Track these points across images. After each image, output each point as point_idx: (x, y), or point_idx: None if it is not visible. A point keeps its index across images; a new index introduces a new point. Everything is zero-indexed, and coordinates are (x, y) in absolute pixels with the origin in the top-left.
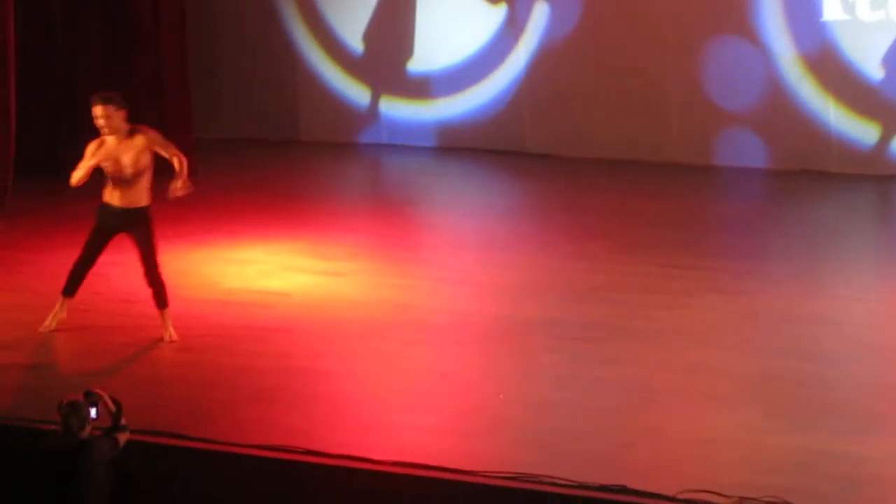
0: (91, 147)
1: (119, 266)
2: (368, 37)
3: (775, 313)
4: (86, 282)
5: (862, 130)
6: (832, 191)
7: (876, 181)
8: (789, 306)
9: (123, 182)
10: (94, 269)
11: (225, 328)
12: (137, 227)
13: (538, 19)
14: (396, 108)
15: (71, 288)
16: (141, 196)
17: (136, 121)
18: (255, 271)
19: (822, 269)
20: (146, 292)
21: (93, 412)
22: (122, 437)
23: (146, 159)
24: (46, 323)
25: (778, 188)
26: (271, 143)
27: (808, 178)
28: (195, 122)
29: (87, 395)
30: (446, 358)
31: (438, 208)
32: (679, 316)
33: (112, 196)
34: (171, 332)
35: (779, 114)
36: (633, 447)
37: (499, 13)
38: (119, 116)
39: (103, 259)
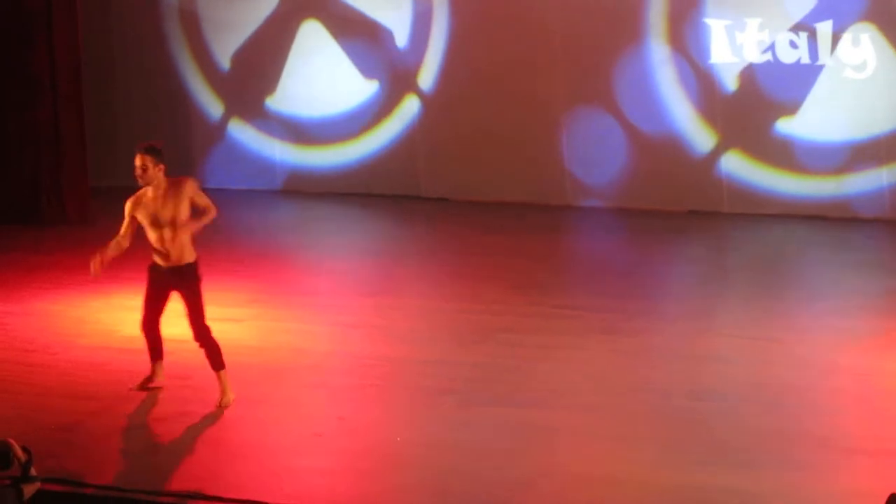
0: (128, 205)
1: (16, 315)
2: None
3: (667, 352)
4: None
5: (750, 171)
6: (721, 230)
7: (762, 220)
8: (681, 345)
9: (165, 239)
10: None
11: (124, 375)
12: (186, 285)
13: (429, 67)
14: (291, 155)
15: (153, 352)
16: (185, 251)
17: (33, 168)
18: None
19: (711, 308)
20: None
21: None
22: (30, 488)
23: (185, 211)
24: (148, 384)
25: (667, 228)
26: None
27: (696, 218)
28: (92, 171)
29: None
30: (344, 401)
31: (333, 253)
32: (574, 356)
33: (158, 256)
34: (228, 397)
35: (667, 155)
36: (531, 487)
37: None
38: (157, 170)
39: (0, 308)
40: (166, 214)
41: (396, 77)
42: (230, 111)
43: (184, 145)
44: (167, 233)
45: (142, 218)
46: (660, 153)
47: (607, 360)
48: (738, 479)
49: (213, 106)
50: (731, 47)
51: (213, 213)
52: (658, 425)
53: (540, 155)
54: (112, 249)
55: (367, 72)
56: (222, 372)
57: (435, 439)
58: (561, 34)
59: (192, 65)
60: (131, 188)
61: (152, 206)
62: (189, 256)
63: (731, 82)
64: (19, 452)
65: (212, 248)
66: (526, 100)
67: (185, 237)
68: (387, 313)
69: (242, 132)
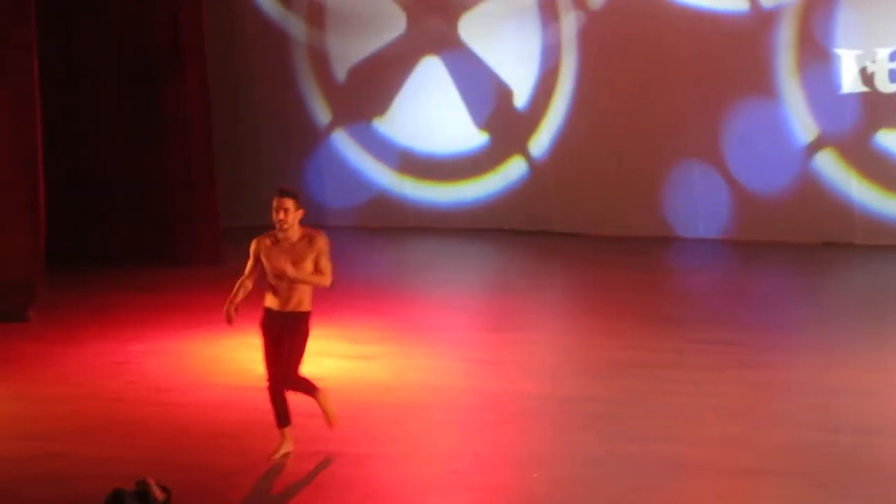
0: (254, 245)
1: (151, 354)
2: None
3: (803, 385)
4: (120, 371)
5: (885, 202)
6: (855, 263)
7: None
8: (816, 378)
9: (288, 285)
10: (124, 359)
11: (259, 413)
12: (294, 330)
13: (559, 104)
14: (421, 192)
15: (281, 418)
16: (305, 300)
17: (164, 209)
18: None
19: (847, 341)
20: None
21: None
22: None
23: (310, 266)
24: (275, 455)
25: (802, 261)
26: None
27: (830, 251)
28: (223, 210)
29: (137, 484)
30: (479, 437)
31: (465, 289)
32: (709, 391)
33: (273, 300)
34: (332, 412)
35: (801, 188)
36: None
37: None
38: (298, 215)
39: (135, 348)
40: (293, 263)
41: (507, 134)
42: (362, 146)
43: (314, 185)
44: (290, 281)
45: (267, 262)
46: (792, 184)
47: (743, 394)
48: None
49: (345, 145)
50: (861, 77)
51: (326, 281)
52: (795, 460)
53: (671, 189)
54: (240, 295)
55: (478, 121)
56: (318, 394)
57: (571, 476)
58: (691, 65)
59: (321, 102)
60: (261, 227)
61: (278, 254)
62: (306, 306)
63: (860, 111)
64: (157, 492)
65: (344, 285)
66: (657, 132)
67: (305, 288)
68: (520, 349)
69: (375, 171)
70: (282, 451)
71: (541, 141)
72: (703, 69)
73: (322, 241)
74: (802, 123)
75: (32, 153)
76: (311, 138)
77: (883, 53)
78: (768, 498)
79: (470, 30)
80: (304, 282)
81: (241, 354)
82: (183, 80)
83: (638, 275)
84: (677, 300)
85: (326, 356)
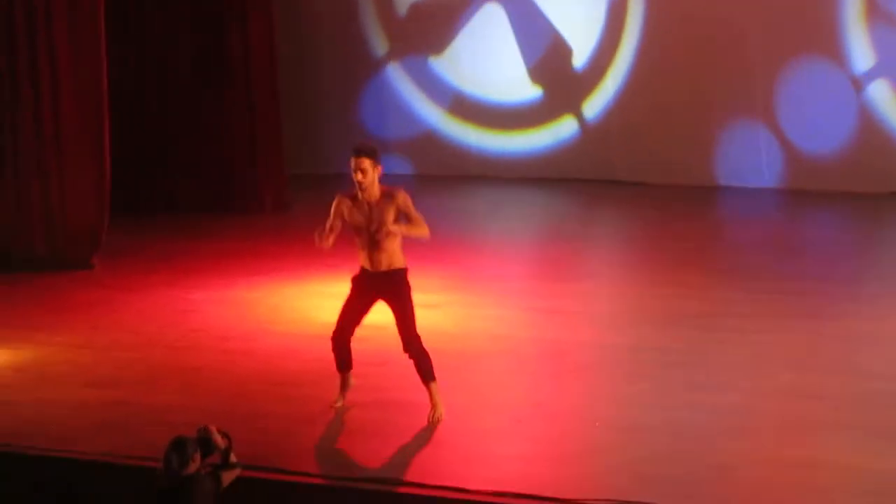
0: (336, 205)
1: (214, 302)
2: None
3: (873, 336)
4: (183, 319)
5: None
6: None
7: None
8: (885, 328)
9: (374, 244)
10: (187, 307)
11: (320, 363)
12: (394, 291)
13: (627, 46)
14: (487, 141)
15: (343, 364)
16: (395, 257)
17: (229, 156)
18: None
19: None
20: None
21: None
22: (229, 475)
23: (393, 220)
24: (337, 404)
25: (868, 211)
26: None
27: None
28: (288, 158)
29: (198, 431)
30: (541, 387)
31: (528, 239)
32: (773, 340)
33: (365, 260)
34: (439, 411)
35: (867, 137)
36: (732, 471)
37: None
38: (377, 173)
39: (198, 296)
40: (375, 223)
41: (561, 93)
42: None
43: (379, 132)
44: (377, 236)
45: (349, 221)
46: (858, 137)
47: (810, 344)
48: None
49: (409, 92)
50: None
51: (425, 231)
52: (863, 410)
53: (740, 136)
54: (330, 239)
55: (533, 75)
56: (433, 384)
57: (633, 423)
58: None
59: (382, 38)
60: (326, 176)
61: (360, 213)
62: (399, 262)
63: None
64: (219, 439)
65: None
66: (726, 78)
67: (394, 244)
68: (583, 298)
69: (434, 116)
70: (344, 398)
71: (605, 90)
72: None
73: (404, 197)
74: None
75: (98, 101)
76: (371, 74)
77: None
78: (827, 447)
79: None
80: (404, 234)
81: (303, 302)
82: (248, 26)
83: (702, 224)
84: (741, 250)
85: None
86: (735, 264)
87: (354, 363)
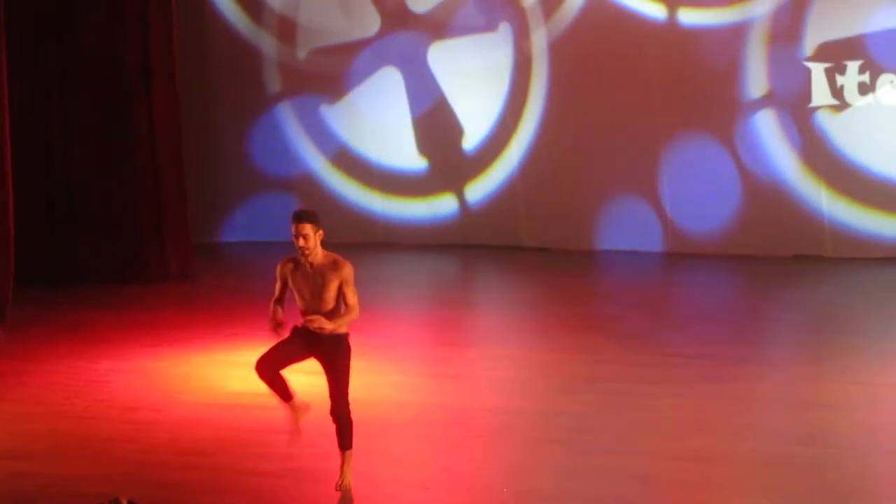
0: (279, 269)
1: (121, 373)
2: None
3: (775, 398)
4: (90, 390)
5: (854, 215)
6: (825, 275)
7: (867, 264)
8: (789, 391)
9: (315, 311)
10: (94, 377)
11: (230, 431)
12: (333, 354)
13: (529, 120)
14: (393, 208)
15: (284, 395)
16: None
17: (134, 226)
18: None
19: (818, 354)
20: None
21: None
22: None
23: (333, 295)
24: (299, 424)
25: (772, 274)
26: (264, 245)
27: (800, 262)
28: (192, 228)
29: (110, 502)
30: (449, 453)
31: (433, 305)
32: (679, 405)
33: (308, 323)
34: (347, 480)
35: (772, 201)
36: None
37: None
38: (318, 237)
39: (105, 366)
40: (317, 291)
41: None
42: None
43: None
44: (316, 305)
45: (292, 286)
46: (762, 198)
47: (714, 408)
48: None
49: (314, 160)
50: (831, 90)
51: (354, 315)
52: (767, 473)
53: (642, 204)
54: (279, 312)
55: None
56: (348, 452)
57: (541, 490)
58: (660, 82)
59: (291, 117)
60: (231, 244)
61: (303, 278)
62: (343, 327)
63: (832, 125)
64: None
65: None
66: (625, 148)
67: (336, 312)
68: (489, 364)
69: (344, 188)
70: (300, 418)
71: (510, 157)
72: (673, 82)
73: (348, 270)
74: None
75: (2, 173)
76: (282, 154)
77: (853, 66)
78: None
79: (438, 56)
80: (335, 325)
81: (212, 371)
82: (153, 100)
83: (607, 288)
84: (646, 314)
85: (296, 372)
86: (636, 329)
87: (262, 430)
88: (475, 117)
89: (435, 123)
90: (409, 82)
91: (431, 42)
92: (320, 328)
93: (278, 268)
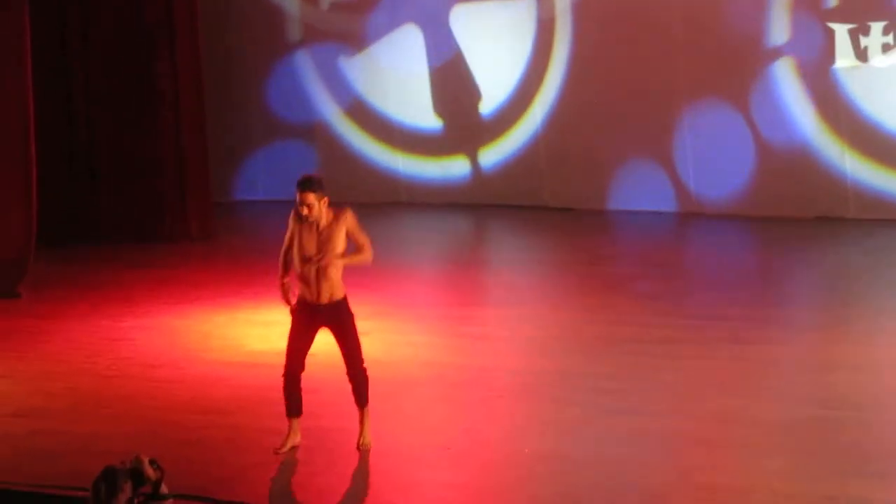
0: (292, 216)
1: (143, 330)
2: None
3: (797, 361)
4: (111, 348)
5: (877, 176)
6: (848, 236)
7: (889, 225)
8: (811, 353)
9: (319, 271)
10: (116, 335)
11: (250, 390)
12: (339, 320)
13: (553, 78)
14: (418, 168)
15: (293, 408)
16: (337, 287)
17: (156, 184)
18: (279, 333)
19: (840, 316)
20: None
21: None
22: None
23: (342, 244)
24: (283, 448)
25: (794, 235)
26: (285, 203)
27: (823, 224)
28: (213, 186)
29: (131, 462)
30: (470, 413)
31: (457, 265)
32: (703, 366)
33: (305, 290)
34: (367, 439)
35: (793, 162)
36: (660, 498)
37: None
38: (323, 203)
39: (127, 324)
40: (323, 249)
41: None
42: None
43: (305, 159)
44: (320, 267)
45: (297, 244)
46: (784, 160)
47: (736, 369)
48: (870, 490)
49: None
50: (855, 51)
51: (368, 255)
52: (788, 434)
53: (662, 165)
54: (287, 271)
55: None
56: (366, 409)
57: (562, 451)
58: (683, 42)
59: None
60: (252, 203)
61: (309, 236)
62: (340, 292)
63: (854, 86)
64: (150, 470)
65: None
66: (649, 107)
67: (337, 273)
68: (512, 324)
69: (365, 146)
70: (289, 444)
71: (534, 116)
72: (696, 43)
73: (350, 216)
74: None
75: (25, 131)
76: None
77: (876, 28)
78: (761, 473)
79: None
80: (347, 264)
81: (233, 330)
82: (175, 57)
83: (627, 249)
84: (669, 275)
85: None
86: (658, 290)
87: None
88: (498, 78)
89: (451, 84)
90: (430, 41)
91: (455, 1)
92: (327, 263)
93: (291, 215)
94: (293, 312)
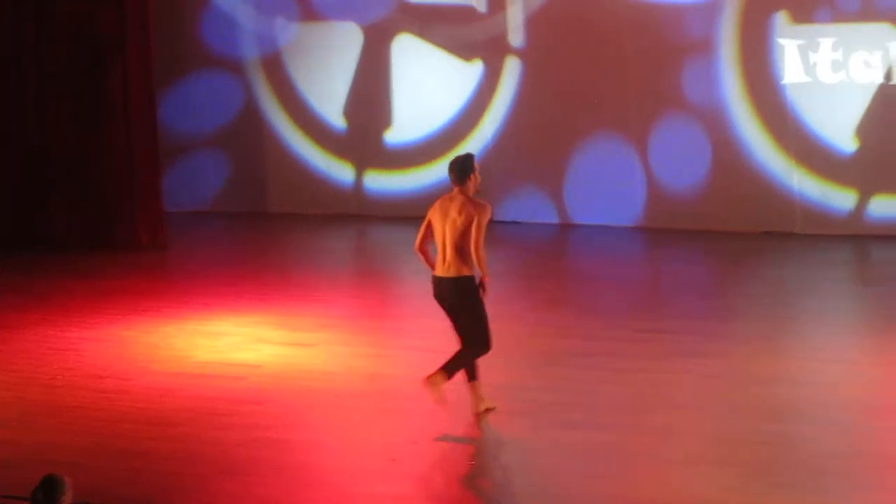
0: (429, 211)
1: (90, 341)
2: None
3: (744, 374)
4: (58, 358)
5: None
6: (794, 251)
7: (835, 241)
8: (757, 367)
9: (448, 245)
10: (63, 345)
11: (197, 401)
12: (459, 297)
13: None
14: (372, 180)
15: (471, 372)
16: (464, 266)
17: (107, 194)
18: (226, 344)
19: (787, 330)
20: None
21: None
22: None
23: (468, 232)
24: (481, 409)
25: (742, 250)
26: (238, 215)
27: (770, 239)
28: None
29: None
30: (416, 425)
31: (404, 278)
32: (648, 379)
33: (438, 265)
34: (485, 402)
35: (739, 177)
36: None
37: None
38: (475, 177)
39: (75, 334)
40: (451, 224)
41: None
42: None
43: (254, 168)
44: (452, 234)
45: (435, 219)
46: (733, 174)
47: (681, 383)
48: (819, 503)
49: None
50: (804, 67)
51: (484, 268)
52: (736, 448)
53: (613, 179)
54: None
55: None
56: (475, 383)
57: (508, 463)
58: (634, 58)
59: (265, 86)
60: (202, 213)
61: (449, 204)
62: (466, 270)
63: (803, 102)
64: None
65: (283, 272)
66: (596, 124)
67: (468, 251)
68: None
69: (312, 154)
70: (480, 404)
71: (483, 132)
72: (648, 58)
73: (486, 211)
74: None
75: None
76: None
77: (826, 43)
78: (708, 487)
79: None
80: (478, 260)
81: (180, 341)
82: (128, 64)
83: (577, 263)
84: (613, 289)
85: (266, 343)
86: (605, 304)
87: (229, 400)
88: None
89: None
90: (367, 44)
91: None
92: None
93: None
94: (435, 296)
